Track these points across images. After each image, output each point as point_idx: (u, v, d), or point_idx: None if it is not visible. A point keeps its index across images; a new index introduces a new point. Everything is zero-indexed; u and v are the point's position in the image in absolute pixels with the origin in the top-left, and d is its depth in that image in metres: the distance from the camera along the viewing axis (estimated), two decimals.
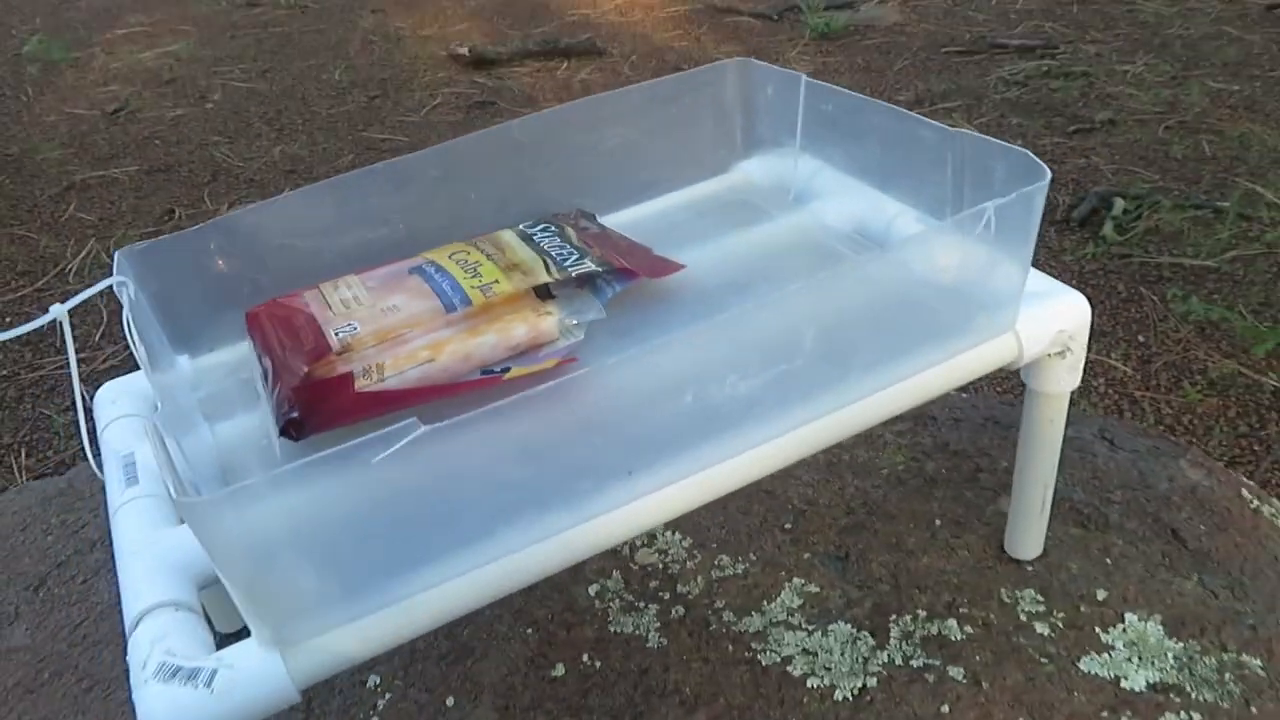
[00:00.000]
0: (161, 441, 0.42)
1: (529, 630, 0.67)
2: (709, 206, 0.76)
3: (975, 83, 2.63)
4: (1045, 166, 0.54)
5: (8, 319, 1.80)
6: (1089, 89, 2.53)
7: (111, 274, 0.56)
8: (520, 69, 3.01)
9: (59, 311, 0.53)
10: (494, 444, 0.44)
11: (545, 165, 0.72)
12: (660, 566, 0.72)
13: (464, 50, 3.10)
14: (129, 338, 0.53)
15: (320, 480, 0.41)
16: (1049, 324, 0.59)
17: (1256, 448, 1.34)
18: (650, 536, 0.74)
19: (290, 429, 0.52)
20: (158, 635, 0.45)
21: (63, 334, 0.49)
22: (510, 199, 0.71)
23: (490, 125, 2.46)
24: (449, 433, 0.41)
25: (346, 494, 0.42)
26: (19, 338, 1.77)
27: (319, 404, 0.52)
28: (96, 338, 1.75)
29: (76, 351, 1.68)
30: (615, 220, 0.74)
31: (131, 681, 0.44)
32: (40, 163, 2.44)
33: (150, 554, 0.49)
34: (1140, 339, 1.58)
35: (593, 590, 0.70)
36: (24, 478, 1.39)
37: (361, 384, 0.53)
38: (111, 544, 0.53)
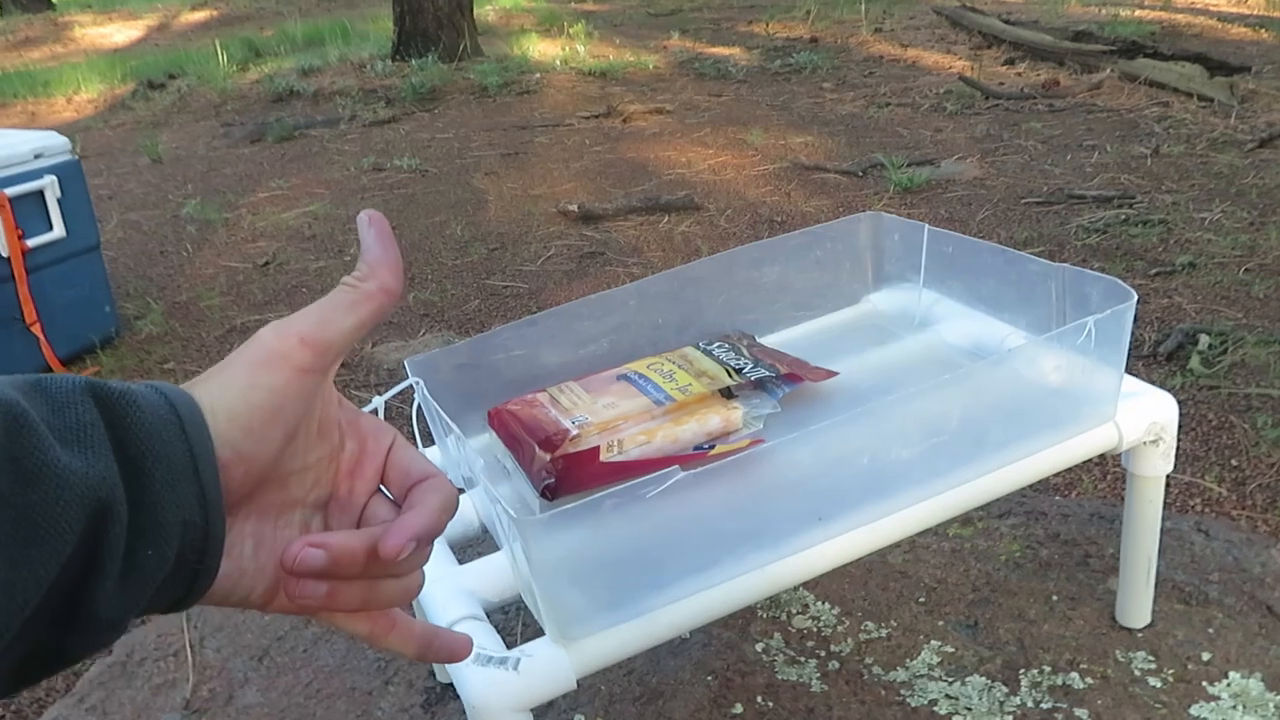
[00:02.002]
0: (488, 485, 0.58)
1: (709, 678, 0.80)
2: (846, 330, 0.91)
3: (1056, 230, 2.79)
4: (1131, 290, 0.69)
5: None
6: (1168, 235, 2.67)
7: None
8: (624, 223, 3.27)
9: (378, 402, 0.70)
10: (719, 494, 0.59)
11: (716, 297, 0.89)
12: (814, 630, 0.84)
13: (573, 207, 3.39)
14: (430, 420, 0.70)
15: (600, 513, 0.56)
16: (1143, 416, 0.72)
17: None
18: (803, 605, 0.87)
19: (547, 492, 0.68)
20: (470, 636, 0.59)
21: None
22: (689, 323, 0.87)
23: (600, 274, 2.69)
24: (695, 481, 0.56)
25: (617, 526, 0.57)
26: None
27: (572, 472, 0.68)
28: None
29: None
30: (769, 340, 0.90)
31: (451, 670, 0.58)
32: (204, 309, 2.74)
33: (445, 584, 0.65)
34: (1233, 463, 1.67)
35: (759, 647, 0.83)
36: None
37: (606, 456, 0.69)
38: None
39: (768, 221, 3.16)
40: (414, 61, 6.07)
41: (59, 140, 2.27)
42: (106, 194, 4.04)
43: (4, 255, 2.12)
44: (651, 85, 5.44)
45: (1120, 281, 0.70)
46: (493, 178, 3.95)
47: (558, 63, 6.09)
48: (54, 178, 2.21)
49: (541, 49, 6.52)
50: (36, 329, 2.25)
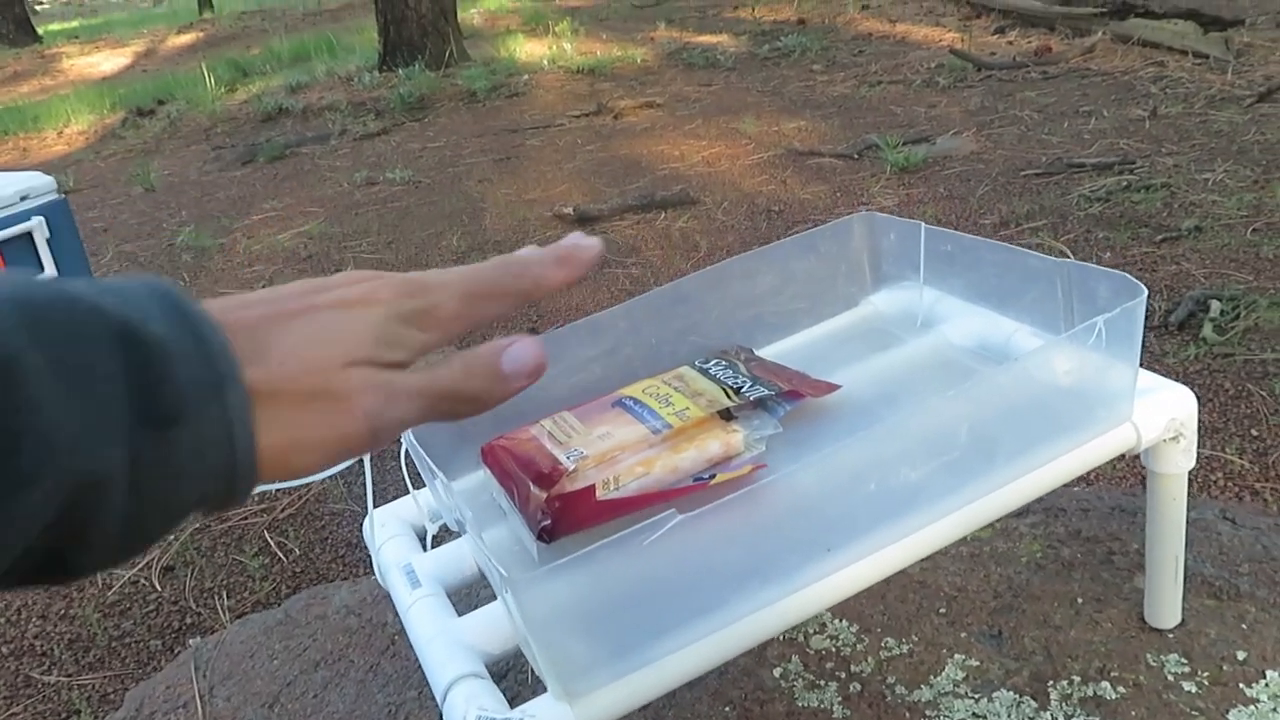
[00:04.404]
0: (478, 536, 0.55)
1: (727, 708, 0.77)
2: (846, 336, 0.88)
3: (1057, 201, 2.75)
4: (1141, 285, 0.66)
5: None
6: (1171, 199, 2.63)
7: None
8: (621, 222, 3.24)
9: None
10: (721, 531, 0.57)
11: (709, 311, 0.86)
12: (833, 650, 0.81)
13: (568, 210, 3.36)
14: (418, 464, 0.67)
15: (596, 564, 0.53)
16: (1161, 414, 0.69)
17: None
18: (821, 624, 0.84)
19: (544, 534, 0.65)
20: (469, 696, 0.57)
21: (361, 463, 0.64)
22: (683, 340, 0.85)
23: (599, 277, 2.66)
24: (695, 521, 0.54)
25: (615, 574, 0.54)
26: None
27: (568, 512, 0.65)
28: (274, 491, 1.94)
29: (256, 503, 1.88)
30: (768, 352, 0.87)
31: None
32: None
33: (445, 639, 0.62)
34: (1254, 433, 1.63)
35: (777, 672, 0.80)
36: (227, 617, 1.54)
37: (601, 493, 0.66)
38: (406, 635, 0.66)
39: (765, 211, 3.12)
40: (401, 71, 6.04)
41: (44, 180, 2.25)
42: (101, 226, 4.03)
43: None
44: (640, 79, 5.40)
45: (1129, 276, 0.67)
46: (486, 184, 3.93)
47: (545, 62, 6.06)
48: (42, 219, 2.19)
49: (528, 49, 6.48)
50: None
